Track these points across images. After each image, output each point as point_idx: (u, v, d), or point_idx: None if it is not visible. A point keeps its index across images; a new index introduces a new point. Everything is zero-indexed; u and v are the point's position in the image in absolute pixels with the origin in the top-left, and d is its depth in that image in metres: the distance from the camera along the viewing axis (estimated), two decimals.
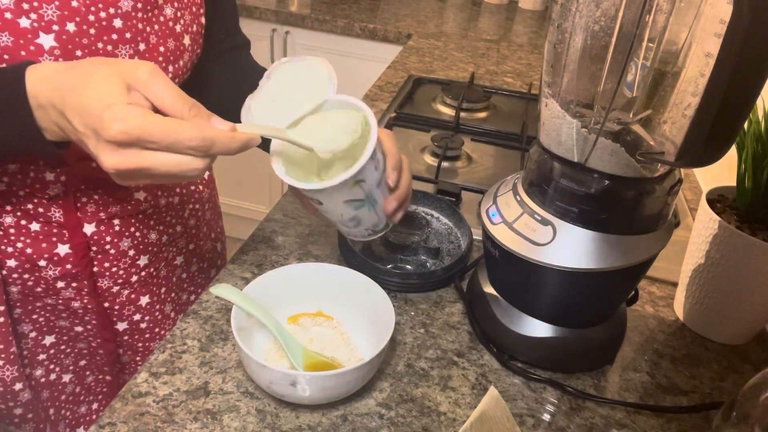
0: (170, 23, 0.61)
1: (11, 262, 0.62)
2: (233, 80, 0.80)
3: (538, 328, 0.62)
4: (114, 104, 0.43)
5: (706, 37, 0.47)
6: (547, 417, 0.59)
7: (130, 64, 0.46)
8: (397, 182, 0.61)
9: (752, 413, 0.41)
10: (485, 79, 1.41)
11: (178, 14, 0.62)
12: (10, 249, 0.62)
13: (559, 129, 0.55)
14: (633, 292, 0.65)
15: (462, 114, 1.17)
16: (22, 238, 0.62)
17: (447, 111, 1.21)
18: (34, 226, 0.62)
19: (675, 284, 0.76)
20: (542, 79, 0.57)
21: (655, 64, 0.52)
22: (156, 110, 0.45)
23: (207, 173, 0.80)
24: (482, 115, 1.22)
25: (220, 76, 0.78)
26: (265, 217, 0.82)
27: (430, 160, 1.02)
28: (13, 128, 0.47)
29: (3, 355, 0.65)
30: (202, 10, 0.66)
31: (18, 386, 0.67)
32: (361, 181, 0.56)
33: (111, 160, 0.44)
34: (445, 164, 1.00)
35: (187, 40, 0.64)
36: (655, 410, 0.60)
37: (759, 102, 0.57)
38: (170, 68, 0.62)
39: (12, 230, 0.61)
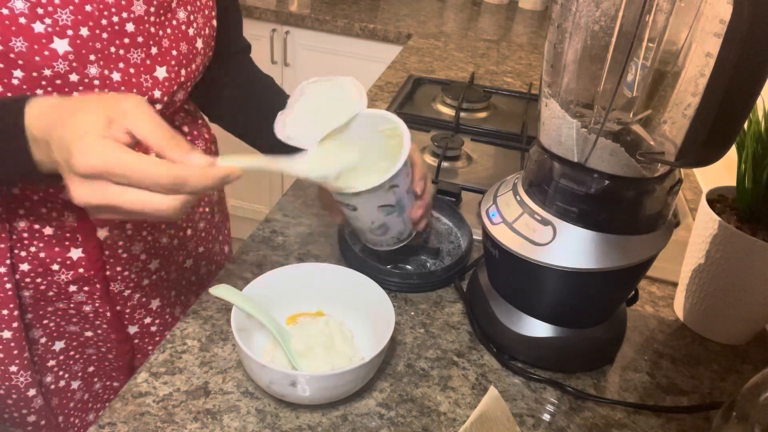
0: (183, 27, 0.61)
1: (24, 266, 0.62)
2: (238, 86, 0.80)
3: (538, 328, 0.62)
4: (85, 136, 0.42)
5: (706, 37, 0.47)
6: (547, 417, 0.58)
7: (116, 97, 0.45)
8: (423, 191, 0.64)
9: (752, 413, 0.41)
10: (485, 79, 1.41)
11: (191, 18, 0.62)
12: (23, 253, 0.62)
13: (559, 129, 0.55)
14: (633, 292, 0.65)
15: (462, 114, 1.17)
16: (35, 243, 0.62)
17: (447, 111, 1.21)
18: (48, 231, 0.62)
19: (675, 284, 0.76)
20: (542, 79, 0.57)
21: (655, 64, 0.52)
22: (138, 143, 0.45)
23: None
24: (482, 115, 1.22)
25: (225, 82, 0.79)
26: (265, 217, 0.82)
27: (430, 160, 1.02)
28: (10, 160, 0.48)
29: (17, 361, 0.64)
30: (214, 13, 0.67)
31: (31, 392, 0.67)
32: (395, 186, 0.60)
33: (78, 192, 0.43)
34: (445, 164, 1.00)
35: (199, 44, 0.64)
36: (655, 410, 0.60)
37: (759, 102, 0.57)
38: (183, 72, 0.62)
39: (25, 234, 0.61)
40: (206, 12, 0.65)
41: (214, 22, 0.67)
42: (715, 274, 0.66)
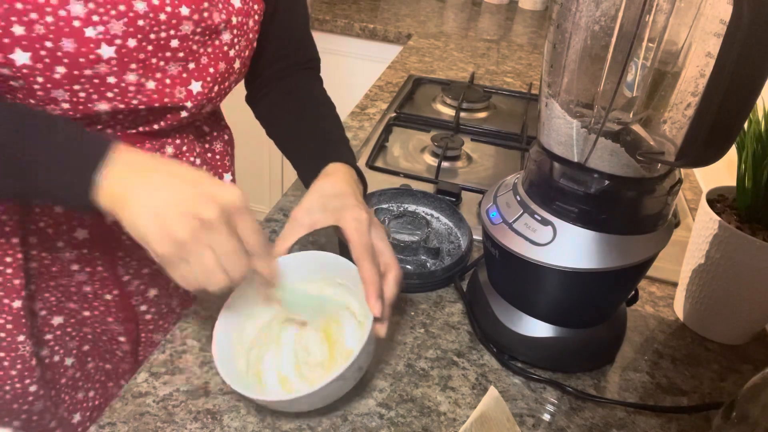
0: (225, 48, 0.64)
1: (33, 239, 0.64)
2: (294, 108, 0.77)
3: (538, 328, 0.62)
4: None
5: (706, 37, 0.47)
6: (547, 417, 0.58)
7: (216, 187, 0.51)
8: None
9: (752, 413, 0.41)
10: (485, 79, 1.41)
11: (235, 40, 0.64)
12: (32, 227, 0.64)
13: (559, 129, 0.55)
14: (633, 292, 0.65)
15: (462, 114, 1.17)
16: (44, 219, 0.64)
17: (447, 111, 1.21)
18: (57, 209, 0.64)
19: (675, 284, 0.76)
20: (542, 79, 0.57)
21: (655, 64, 0.52)
22: None
23: (231, 178, 0.81)
24: (482, 115, 1.22)
25: (276, 102, 0.78)
26: (265, 217, 0.82)
27: (430, 160, 1.02)
28: (69, 186, 0.49)
29: (24, 330, 0.66)
30: (256, 36, 0.69)
31: (34, 362, 0.68)
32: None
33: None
34: (445, 164, 1.00)
35: (237, 64, 0.66)
36: (655, 410, 0.60)
37: (759, 102, 0.57)
38: (216, 88, 0.65)
39: (37, 210, 0.63)
40: (250, 36, 0.67)
41: (255, 44, 0.69)
42: (715, 274, 0.66)
